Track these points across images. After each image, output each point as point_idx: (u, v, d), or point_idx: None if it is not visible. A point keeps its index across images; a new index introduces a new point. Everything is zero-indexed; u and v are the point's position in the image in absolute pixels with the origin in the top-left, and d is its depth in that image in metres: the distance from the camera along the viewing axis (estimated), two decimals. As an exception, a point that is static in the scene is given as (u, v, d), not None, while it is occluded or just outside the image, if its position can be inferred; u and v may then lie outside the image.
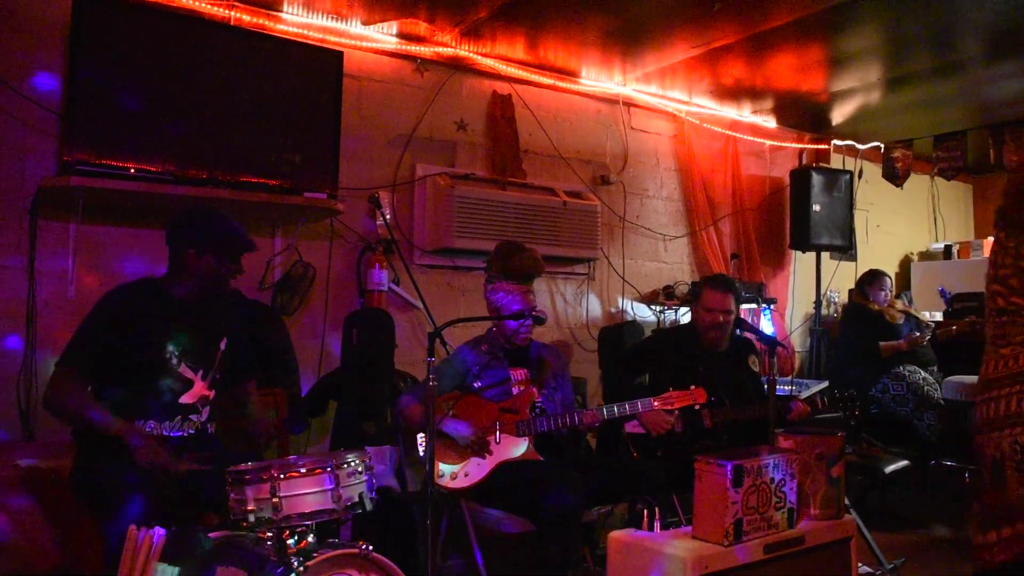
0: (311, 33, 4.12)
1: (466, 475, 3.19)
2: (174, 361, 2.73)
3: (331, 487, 2.21)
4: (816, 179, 6.03)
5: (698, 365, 3.71)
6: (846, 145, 6.70)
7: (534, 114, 5.05)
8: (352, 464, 2.28)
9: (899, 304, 5.78)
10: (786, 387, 4.55)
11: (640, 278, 5.60)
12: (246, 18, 3.94)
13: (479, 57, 4.74)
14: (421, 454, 3.25)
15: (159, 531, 2.17)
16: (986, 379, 2.54)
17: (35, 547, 2.83)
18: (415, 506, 3.47)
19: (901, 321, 5.60)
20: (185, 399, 2.76)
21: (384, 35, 4.39)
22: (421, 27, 4.37)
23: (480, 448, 3.18)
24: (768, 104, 5.90)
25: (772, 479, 2.43)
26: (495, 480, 3.16)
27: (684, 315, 5.49)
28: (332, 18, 4.17)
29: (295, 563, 2.07)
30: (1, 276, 3.42)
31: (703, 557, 2.27)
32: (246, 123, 3.71)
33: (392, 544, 3.20)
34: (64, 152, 3.34)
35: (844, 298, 6.61)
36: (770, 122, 6.30)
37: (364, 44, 4.35)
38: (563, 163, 5.19)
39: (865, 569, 3.38)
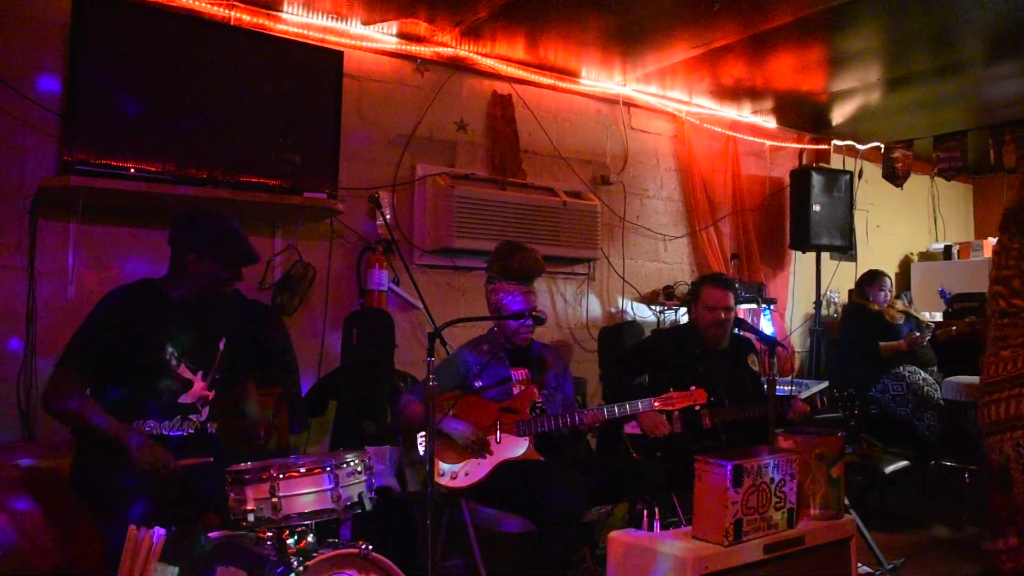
0: (311, 33, 4.12)
1: (466, 474, 3.19)
2: (174, 361, 2.73)
3: (331, 487, 2.21)
4: (816, 179, 6.03)
5: (698, 365, 3.71)
6: (846, 145, 6.70)
7: (534, 114, 5.05)
8: (352, 464, 2.28)
9: (899, 304, 5.78)
10: (786, 387, 4.55)
11: (640, 278, 5.60)
12: (246, 18, 3.94)
13: (479, 57, 4.74)
14: (421, 454, 3.25)
15: (159, 531, 2.17)
16: (987, 382, 2.53)
17: (35, 547, 2.83)
18: (415, 506, 3.47)
19: (901, 321, 5.60)
20: (185, 399, 2.76)
21: (384, 35, 4.39)
22: (421, 27, 4.37)
23: (480, 448, 3.18)
24: (768, 104, 5.90)
25: (772, 479, 2.43)
26: (495, 480, 3.16)
27: (684, 315, 5.49)
28: (332, 18, 4.17)
29: (295, 563, 2.07)
30: (1, 276, 3.42)
31: (703, 557, 2.27)
32: (246, 123, 3.71)
33: (392, 544, 3.20)
34: (64, 152, 3.34)
35: (844, 298, 6.62)
36: (770, 122, 6.30)
37: (364, 44, 4.35)
38: (563, 163, 5.19)
39: (865, 569, 3.38)
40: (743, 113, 6.09)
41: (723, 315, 3.76)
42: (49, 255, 3.51)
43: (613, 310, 5.45)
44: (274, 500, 2.15)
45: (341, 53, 4.07)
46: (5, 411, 3.36)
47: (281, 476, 2.17)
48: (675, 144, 5.87)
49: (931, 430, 5.18)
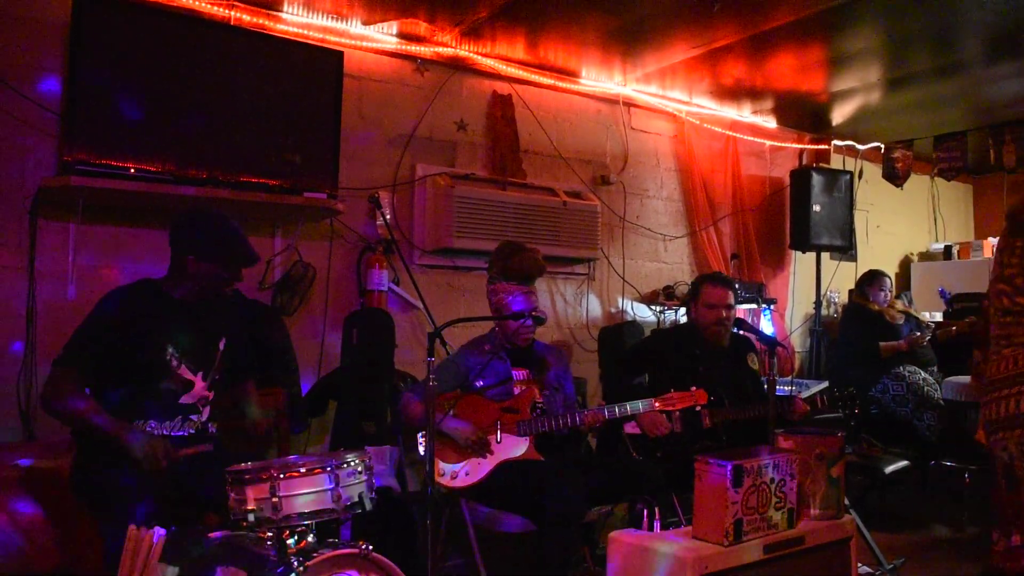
0: (311, 33, 4.12)
1: (467, 474, 3.19)
2: (174, 362, 2.73)
3: (331, 487, 2.21)
4: (816, 179, 6.03)
5: (698, 365, 3.70)
6: (846, 145, 6.71)
7: (534, 114, 5.05)
8: (352, 464, 2.28)
9: (899, 304, 5.78)
10: (786, 387, 4.55)
11: (640, 278, 5.60)
12: (246, 18, 3.94)
13: (479, 57, 4.74)
14: (421, 453, 3.25)
15: (159, 531, 2.17)
16: (990, 380, 2.54)
17: (35, 547, 2.83)
18: (415, 506, 3.47)
19: (901, 321, 5.60)
20: (185, 399, 2.76)
21: (384, 35, 4.39)
22: (421, 27, 4.37)
23: (481, 447, 3.18)
24: (768, 104, 5.90)
25: (772, 479, 2.44)
26: (496, 480, 3.16)
27: (684, 315, 5.49)
28: (332, 18, 4.17)
29: (295, 563, 2.07)
30: (1, 276, 3.42)
31: (703, 557, 2.28)
32: (246, 123, 3.71)
33: (392, 544, 3.20)
34: (64, 152, 3.34)
35: (844, 298, 6.62)
36: (770, 122, 6.30)
37: (364, 44, 4.35)
38: (563, 163, 5.19)
39: (865, 569, 3.38)
40: (743, 113, 6.09)
41: (724, 313, 3.76)
42: (49, 255, 3.51)
43: (613, 310, 5.45)
44: (274, 500, 2.14)
45: (341, 53, 4.08)
46: (5, 411, 3.36)
47: (281, 476, 2.17)
48: (675, 144, 5.87)
49: (931, 430, 5.19)
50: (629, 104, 5.53)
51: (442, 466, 3.19)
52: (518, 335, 3.40)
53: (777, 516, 2.46)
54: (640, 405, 3.28)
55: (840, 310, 6.61)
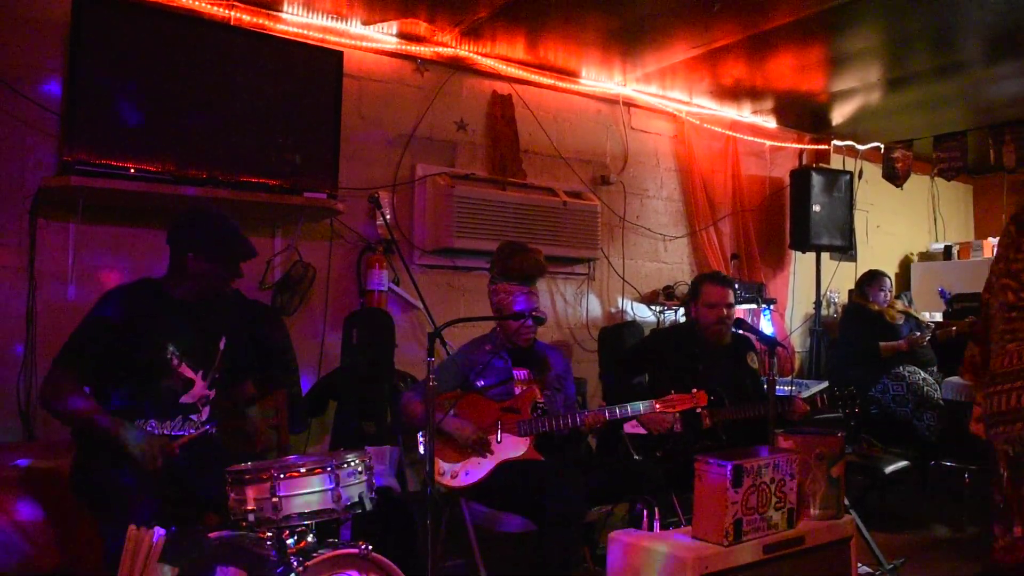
0: (311, 33, 4.12)
1: (467, 474, 3.19)
2: (175, 360, 2.73)
3: (331, 487, 2.21)
4: (816, 179, 6.03)
5: (697, 364, 3.71)
6: (846, 145, 6.71)
7: (534, 114, 5.05)
8: (352, 464, 2.28)
9: (899, 304, 5.78)
10: (786, 387, 4.55)
11: (640, 278, 5.60)
12: (246, 18, 3.94)
13: (479, 57, 4.74)
14: (422, 453, 3.25)
15: (159, 531, 2.17)
16: (992, 374, 2.54)
17: (35, 547, 2.83)
18: (415, 506, 3.47)
19: (901, 321, 5.60)
20: (185, 399, 2.76)
21: (384, 35, 4.39)
22: (421, 27, 4.37)
23: (481, 447, 3.19)
24: (768, 104, 5.90)
25: (772, 479, 2.44)
26: (496, 479, 3.16)
27: (684, 315, 5.49)
28: (332, 18, 4.17)
29: (295, 563, 2.07)
30: (1, 276, 3.42)
31: (703, 557, 2.28)
32: (246, 123, 3.71)
33: (392, 544, 3.20)
34: (64, 152, 3.34)
35: (844, 298, 6.62)
36: (770, 122, 6.30)
37: (364, 44, 4.35)
38: (563, 163, 5.19)
39: (865, 569, 3.38)
40: (743, 113, 6.09)
41: (724, 312, 3.77)
42: (49, 255, 3.51)
43: (613, 310, 5.45)
44: (274, 500, 2.14)
45: (341, 53, 4.07)
46: (5, 411, 3.37)
47: (281, 476, 2.17)
48: (675, 144, 5.87)
49: (931, 430, 5.19)
50: (629, 104, 5.53)
51: (442, 465, 3.19)
52: (519, 335, 3.40)
53: (777, 516, 2.46)
54: (641, 406, 3.28)
55: (840, 310, 6.61)
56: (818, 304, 6.34)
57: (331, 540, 2.29)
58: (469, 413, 3.26)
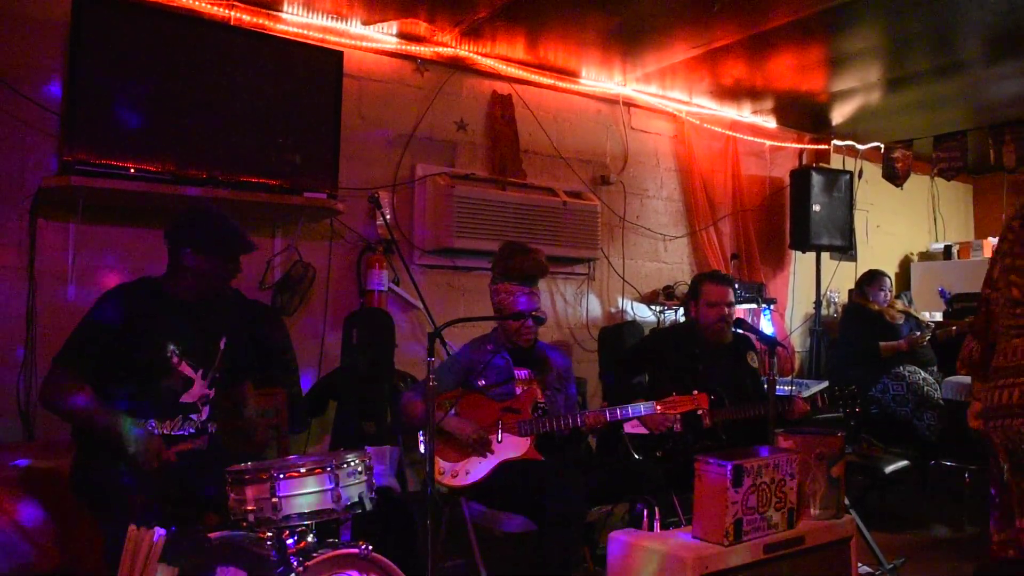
0: (311, 33, 4.12)
1: (467, 473, 3.19)
2: (174, 359, 2.73)
3: (331, 487, 2.21)
4: (816, 179, 6.03)
5: (697, 364, 3.71)
6: (846, 145, 6.70)
7: (534, 114, 5.05)
8: (352, 464, 2.28)
9: (899, 304, 5.78)
10: (786, 387, 4.55)
11: (640, 278, 5.60)
12: (246, 18, 3.94)
13: (479, 57, 4.74)
14: (422, 452, 3.25)
15: (159, 531, 2.17)
16: (995, 367, 2.54)
17: (35, 547, 2.83)
18: (415, 506, 3.47)
19: (901, 321, 5.60)
20: (185, 398, 2.76)
21: (384, 35, 4.39)
22: (421, 27, 4.37)
23: (482, 446, 3.19)
24: (768, 104, 5.90)
25: (772, 479, 2.44)
26: (496, 479, 3.16)
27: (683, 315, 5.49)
28: (332, 18, 4.17)
29: (295, 563, 2.07)
30: (1, 276, 3.42)
31: (703, 557, 2.28)
32: (246, 123, 3.71)
33: (392, 544, 3.20)
34: (64, 152, 3.34)
35: (844, 298, 6.62)
36: (770, 122, 6.30)
37: (364, 44, 4.35)
38: (563, 163, 5.19)
39: (865, 569, 3.38)
40: (743, 113, 6.09)
41: (726, 311, 3.77)
42: (49, 255, 3.51)
43: (613, 310, 5.45)
44: (274, 500, 2.15)
45: (341, 53, 4.07)
46: (5, 411, 3.36)
47: (281, 476, 2.17)
48: (675, 144, 5.87)
49: (931, 430, 5.19)
50: (629, 104, 5.53)
51: (443, 464, 3.19)
52: (519, 335, 3.40)
53: (777, 516, 2.46)
54: (642, 408, 3.28)
55: (840, 310, 6.61)
56: (818, 304, 6.34)
57: (331, 540, 2.29)
58: (470, 412, 3.26)
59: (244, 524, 2.18)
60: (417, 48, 4.51)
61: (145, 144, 3.43)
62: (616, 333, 5.08)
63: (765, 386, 3.42)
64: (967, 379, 5.08)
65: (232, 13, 3.90)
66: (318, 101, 3.94)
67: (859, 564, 2.83)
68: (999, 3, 4.04)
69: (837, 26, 4.39)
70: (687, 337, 3.89)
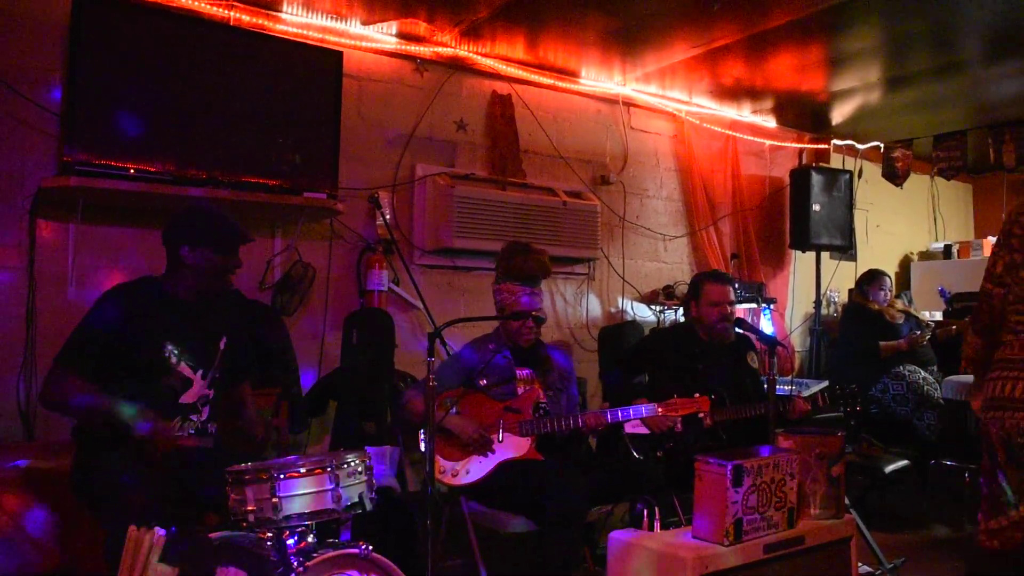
0: (311, 33, 4.12)
1: (467, 472, 3.19)
2: (173, 359, 2.73)
3: (331, 487, 2.21)
4: (816, 179, 6.03)
5: (697, 364, 3.71)
6: (846, 145, 6.70)
7: (534, 114, 5.05)
8: (352, 464, 2.28)
9: (899, 304, 5.78)
10: (786, 387, 4.55)
11: (640, 278, 5.60)
12: (246, 18, 3.93)
13: (479, 57, 4.74)
14: (423, 450, 3.25)
15: (159, 531, 2.17)
16: (998, 359, 2.54)
17: (35, 547, 2.83)
18: (415, 506, 3.47)
19: (901, 321, 5.60)
20: (185, 399, 2.76)
21: (384, 35, 4.39)
22: (421, 27, 4.37)
23: (483, 445, 3.19)
24: (768, 104, 5.90)
25: (772, 479, 2.44)
26: (497, 479, 3.17)
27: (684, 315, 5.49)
28: (332, 18, 4.17)
29: (295, 563, 2.07)
30: (1, 276, 3.42)
31: (703, 557, 2.28)
32: (246, 123, 3.71)
33: (392, 544, 3.20)
34: (64, 152, 3.34)
35: (844, 298, 6.62)
36: (770, 122, 6.30)
37: (364, 44, 4.35)
38: (563, 163, 5.19)
39: (865, 569, 3.38)
40: (743, 113, 6.09)
41: (728, 310, 3.77)
42: (49, 255, 3.51)
43: (613, 310, 5.45)
44: (274, 500, 2.14)
45: (341, 53, 4.07)
46: (5, 411, 3.36)
47: (281, 476, 2.17)
48: (675, 144, 5.87)
49: (931, 429, 5.19)
50: (629, 104, 5.53)
51: (443, 463, 3.19)
52: (520, 335, 3.41)
53: (777, 516, 2.46)
54: (643, 410, 3.28)
55: (840, 309, 6.61)
56: (818, 303, 6.34)
57: (331, 540, 2.29)
58: (471, 412, 3.26)
59: (244, 524, 2.18)
60: (417, 48, 4.51)
61: (145, 144, 3.43)
62: (616, 333, 5.08)
63: (765, 386, 3.42)
64: (967, 378, 5.08)
65: (232, 13, 3.90)
66: (318, 101, 3.94)
67: (859, 564, 2.83)
68: (999, 3, 4.04)
69: (837, 26, 4.39)
70: (687, 337, 3.89)
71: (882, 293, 5.58)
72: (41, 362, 3.36)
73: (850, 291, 6.10)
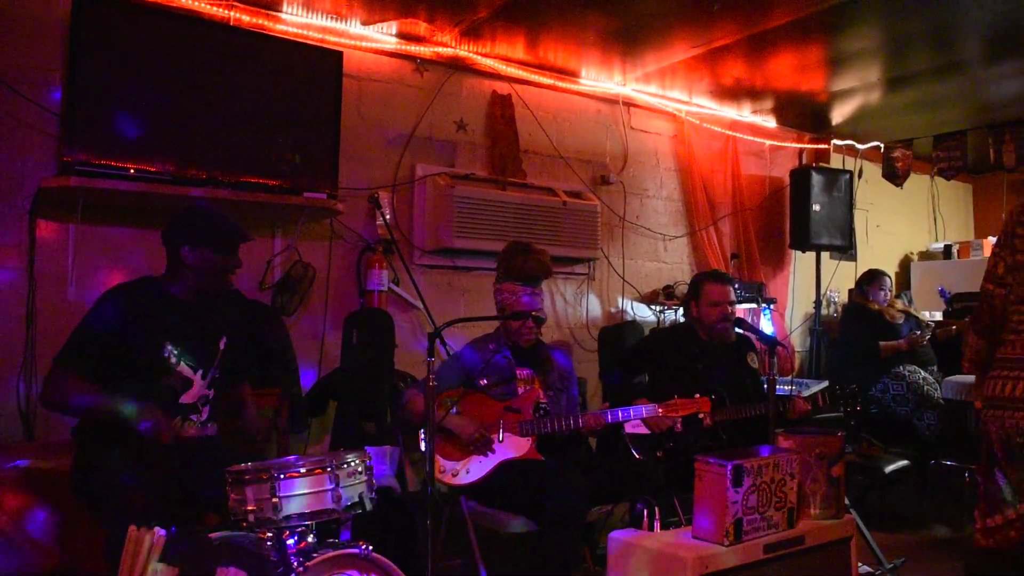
0: (311, 33, 4.12)
1: (467, 472, 3.19)
2: (173, 359, 2.73)
3: (331, 487, 2.21)
4: (816, 179, 6.03)
5: (697, 364, 3.71)
6: (846, 145, 6.70)
7: (534, 114, 5.05)
8: (352, 464, 2.28)
9: (899, 304, 5.78)
10: (786, 387, 4.55)
11: (640, 278, 5.60)
12: (246, 18, 3.93)
13: (479, 57, 4.74)
14: (423, 450, 3.25)
15: (159, 531, 2.17)
16: (999, 358, 2.54)
17: (35, 547, 2.83)
18: (415, 506, 3.47)
19: (901, 321, 5.60)
20: (185, 399, 2.76)
21: (384, 35, 4.39)
22: (421, 27, 4.37)
23: (483, 445, 3.19)
24: (768, 104, 5.90)
25: (772, 479, 2.43)
26: (497, 479, 3.17)
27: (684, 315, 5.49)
28: (332, 18, 4.17)
29: (295, 563, 2.07)
30: (1, 276, 3.42)
31: (703, 557, 2.28)
32: (246, 123, 3.71)
33: (392, 544, 3.20)
34: (64, 152, 3.34)
35: (844, 298, 6.62)
36: (770, 122, 6.30)
37: (364, 44, 4.35)
38: (563, 163, 5.19)
39: (865, 569, 3.38)
40: (743, 113, 6.09)
41: (729, 309, 3.77)
42: (49, 255, 3.51)
43: (613, 310, 5.45)
44: (274, 500, 2.14)
45: (341, 53, 4.07)
46: (5, 411, 3.36)
47: (281, 476, 2.17)
48: (675, 144, 5.87)
49: (931, 429, 5.18)
50: (629, 104, 5.53)
51: (443, 463, 3.20)
52: (520, 335, 3.41)
53: (777, 516, 2.46)
54: (644, 411, 3.28)
55: (840, 309, 6.61)
56: (818, 303, 6.34)
57: (331, 540, 2.29)
58: (472, 411, 3.26)
59: (244, 524, 2.18)
60: (417, 48, 4.51)
61: (145, 144, 3.43)
62: (616, 333, 5.08)
63: (765, 386, 3.42)
64: (967, 379, 5.10)
65: (232, 13, 3.90)
66: (318, 101, 3.94)
67: (859, 564, 2.83)
68: (999, 3, 4.04)
69: (837, 26, 4.39)
70: (687, 337, 3.89)
71: (882, 293, 5.58)
72: (41, 362, 3.36)
73: (850, 291, 6.10)
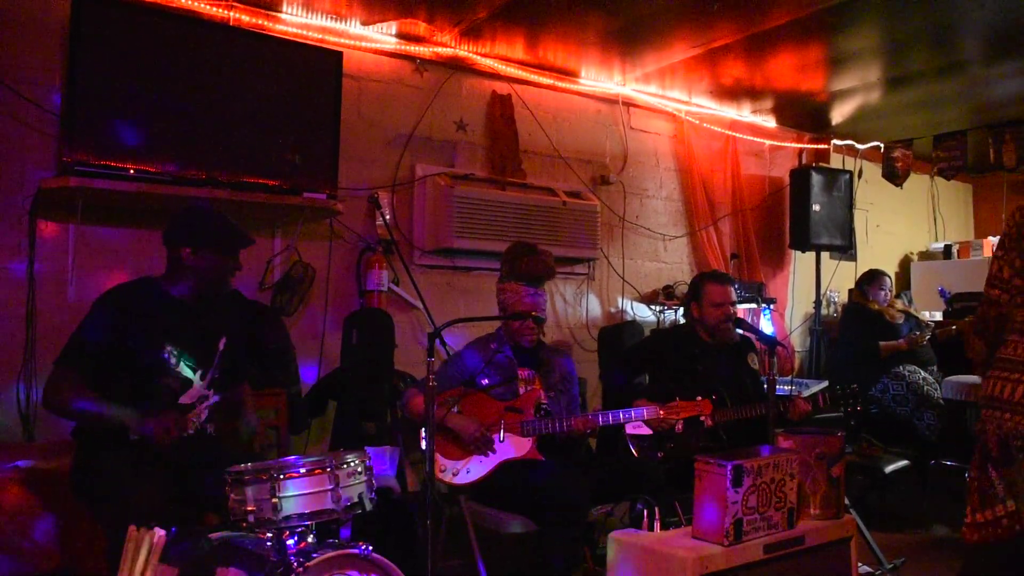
0: (310, 33, 4.12)
1: (468, 472, 3.19)
2: (172, 360, 2.73)
3: (331, 487, 2.21)
4: (816, 179, 6.03)
5: (697, 364, 3.71)
6: (846, 145, 6.71)
7: (534, 114, 5.05)
8: (352, 464, 2.29)
9: (899, 304, 5.78)
10: (786, 387, 4.55)
11: (640, 278, 5.60)
12: (245, 18, 3.94)
13: (479, 57, 4.74)
14: (424, 449, 3.25)
15: (159, 531, 2.17)
16: (999, 358, 2.54)
17: (35, 547, 2.83)
18: (415, 506, 3.47)
19: (901, 321, 5.60)
20: (184, 399, 2.76)
21: (383, 35, 4.39)
22: (421, 27, 4.37)
23: (484, 445, 3.19)
24: (768, 104, 5.90)
25: (772, 479, 2.43)
26: (497, 479, 3.17)
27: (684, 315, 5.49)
28: (331, 18, 4.17)
29: (295, 563, 2.07)
30: (1, 277, 3.42)
31: (703, 557, 2.27)
32: (245, 123, 3.71)
33: (392, 544, 3.20)
34: (64, 152, 3.34)
35: (844, 298, 6.62)
36: (770, 122, 6.30)
37: (363, 44, 4.35)
38: (563, 163, 5.19)
39: (865, 569, 3.38)
40: (743, 113, 6.09)
41: (730, 310, 3.77)
42: (49, 256, 3.51)
43: (613, 310, 5.45)
44: (274, 500, 2.15)
45: (340, 53, 4.07)
46: (5, 412, 3.36)
47: (281, 476, 2.17)
48: (675, 144, 5.87)
49: (931, 429, 5.18)
50: (628, 104, 5.53)
51: (444, 462, 3.20)
52: (521, 335, 3.41)
53: (777, 516, 2.45)
54: (644, 413, 3.28)
55: (840, 310, 6.61)
56: (818, 303, 6.34)
57: (331, 540, 2.29)
58: (473, 411, 3.27)
59: (244, 524, 2.18)
60: (416, 48, 4.51)
61: (144, 145, 3.43)
62: (616, 333, 5.08)
63: (765, 386, 3.42)
64: (967, 379, 5.11)
65: (231, 14, 3.90)
66: (318, 101, 3.94)
67: (859, 564, 2.83)
68: (999, 3, 4.04)
69: (837, 26, 4.39)
70: (687, 337, 3.88)
71: (882, 293, 5.58)
72: (41, 362, 3.36)
73: (850, 291, 6.09)
